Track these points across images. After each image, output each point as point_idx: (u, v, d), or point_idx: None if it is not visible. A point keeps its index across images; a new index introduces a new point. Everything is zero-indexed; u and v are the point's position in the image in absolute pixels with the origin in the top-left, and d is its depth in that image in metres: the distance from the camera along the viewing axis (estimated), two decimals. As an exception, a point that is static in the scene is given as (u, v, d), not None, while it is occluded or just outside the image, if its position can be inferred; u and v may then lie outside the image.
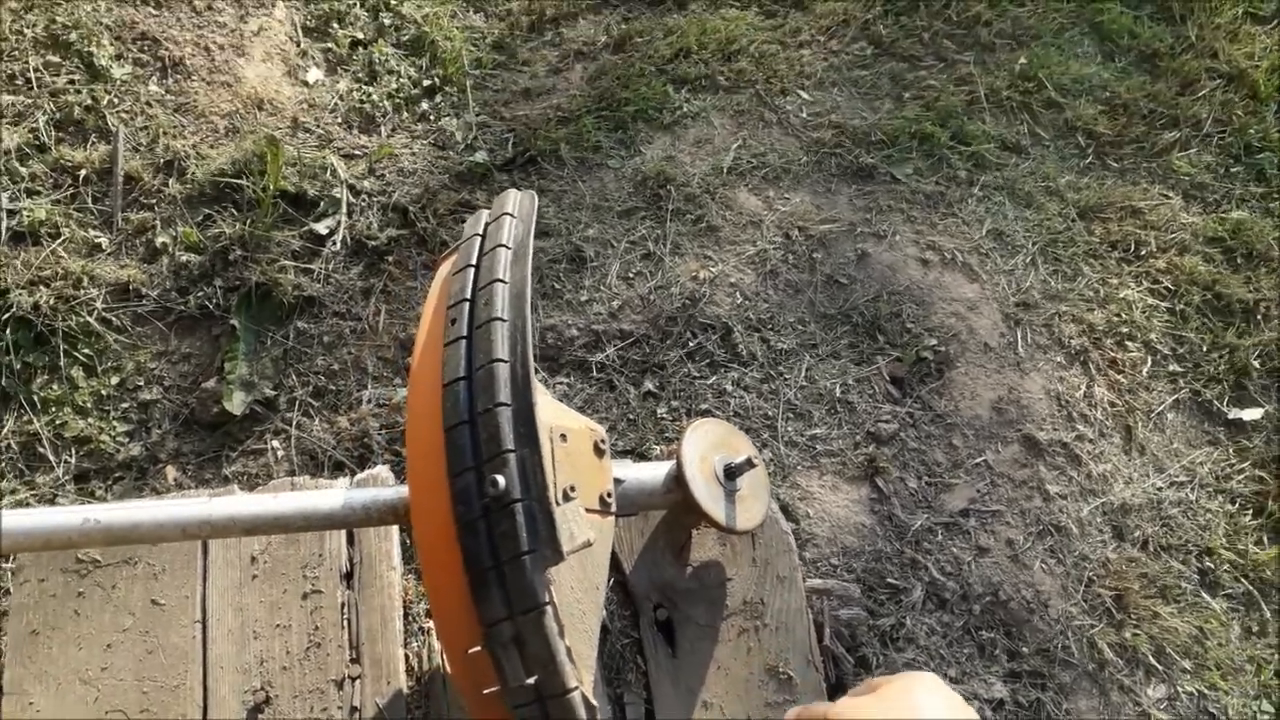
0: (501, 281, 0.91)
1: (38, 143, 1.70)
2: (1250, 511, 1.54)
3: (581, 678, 0.88)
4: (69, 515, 0.98)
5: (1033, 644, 1.36)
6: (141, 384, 1.54)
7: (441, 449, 0.87)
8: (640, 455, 1.46)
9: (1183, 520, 1.51)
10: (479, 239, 0.99)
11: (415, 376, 0.97)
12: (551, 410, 1.04)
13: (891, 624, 1.34)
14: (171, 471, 1.48)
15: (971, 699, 1.30)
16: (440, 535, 0.85)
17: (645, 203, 1.76)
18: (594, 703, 0.82)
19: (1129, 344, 1.69)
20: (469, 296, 0.93)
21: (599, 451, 1.04)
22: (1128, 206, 1.86)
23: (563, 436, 1.00)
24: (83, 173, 1.70)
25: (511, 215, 0.98)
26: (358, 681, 1.13)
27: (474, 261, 0.96)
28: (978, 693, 1.31)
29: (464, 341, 0.90)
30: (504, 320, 0.89)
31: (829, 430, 1.52)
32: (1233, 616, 1.43)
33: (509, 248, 0.94)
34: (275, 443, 1.49)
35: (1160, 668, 1.37)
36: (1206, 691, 1.36)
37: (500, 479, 0.81)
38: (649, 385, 1.54)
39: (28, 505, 1.40)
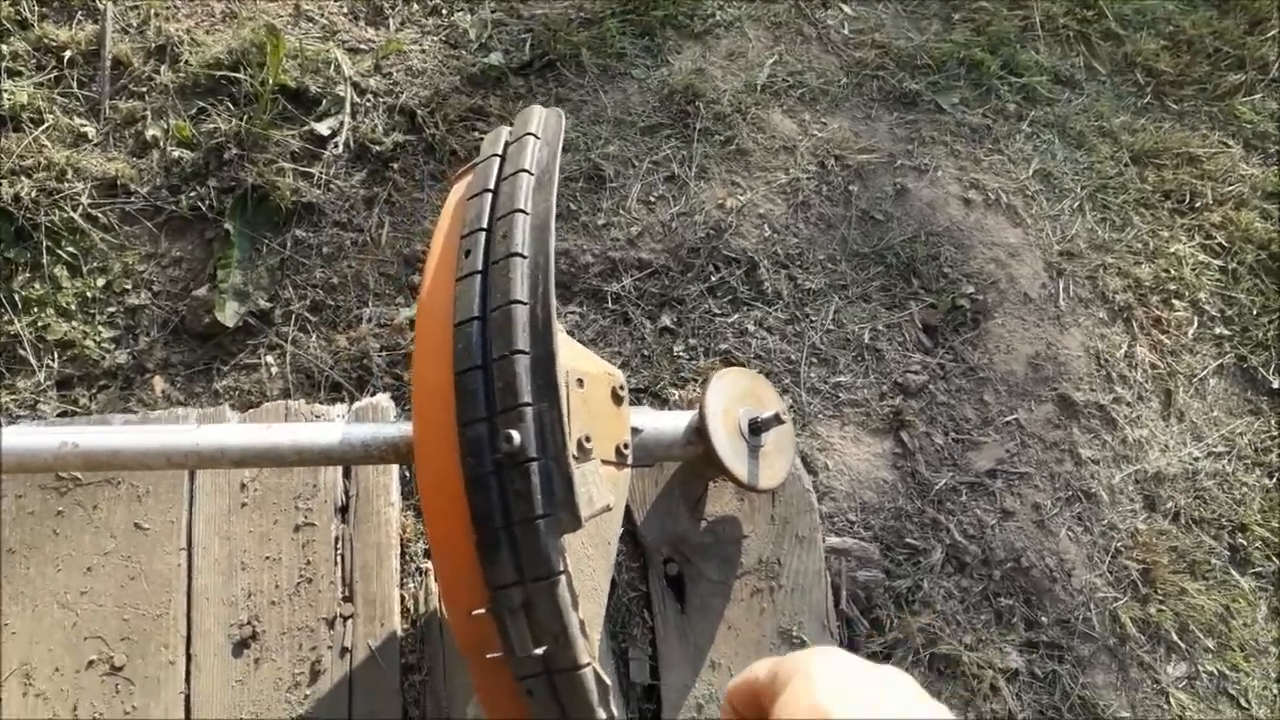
0: (522, 212, 0.82)
1: (19, 18, 1.57)
2: (1288, 487, 1.47)
3: (593, 651, 0.82)
4: (45, 437, 0.90)
5: (1053, 614, 1.31)
6: (129, 287, 1.45)
7: (451, 394, 0.79)
8: (654, 395, 1.38)
9: (1218, 493, 1.44)
10: (498, 160, 0.89)
11: (424, 306, 0.89)
12: (568, 351, 0.96)
13: (908, 586, 1.29)
14: (159, 383, 1.40)
15: (986, 667, 1.25)
16: (447, 487, 0.78)
17: (671, 119, 1.64)
18: (606, 680, 0.75)
19: (1175, 302, 1.60)
20: (486, 226, 0.83)
21: (617, 399, 0.96)
22: (1184, 153, 1.74)
23: (579, 381, 0.92)
24: (68, 54, 1.57)
25: (536, 136, 0.87)
26: (350, 621, 1.07)
27: (492, 186, 0.86)
28: (993, 661, 1.26)
29: (479, 277, 0.81)
30: (524, 256, 0.80)
31: (854, 378, 1.44)
32: (1260, 596, 1.38)
33: (532, 173, 0.84)
34: (270, 358, 1.41)
35: (1182, 645, 1.32)
36: (1228, 672, 1.32)
37: (515, 435, 0.73)
38: (666, 320, 1.45)
39: (6, 411, 1.32)
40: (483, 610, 0.75)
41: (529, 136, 0.87)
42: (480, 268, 0.81)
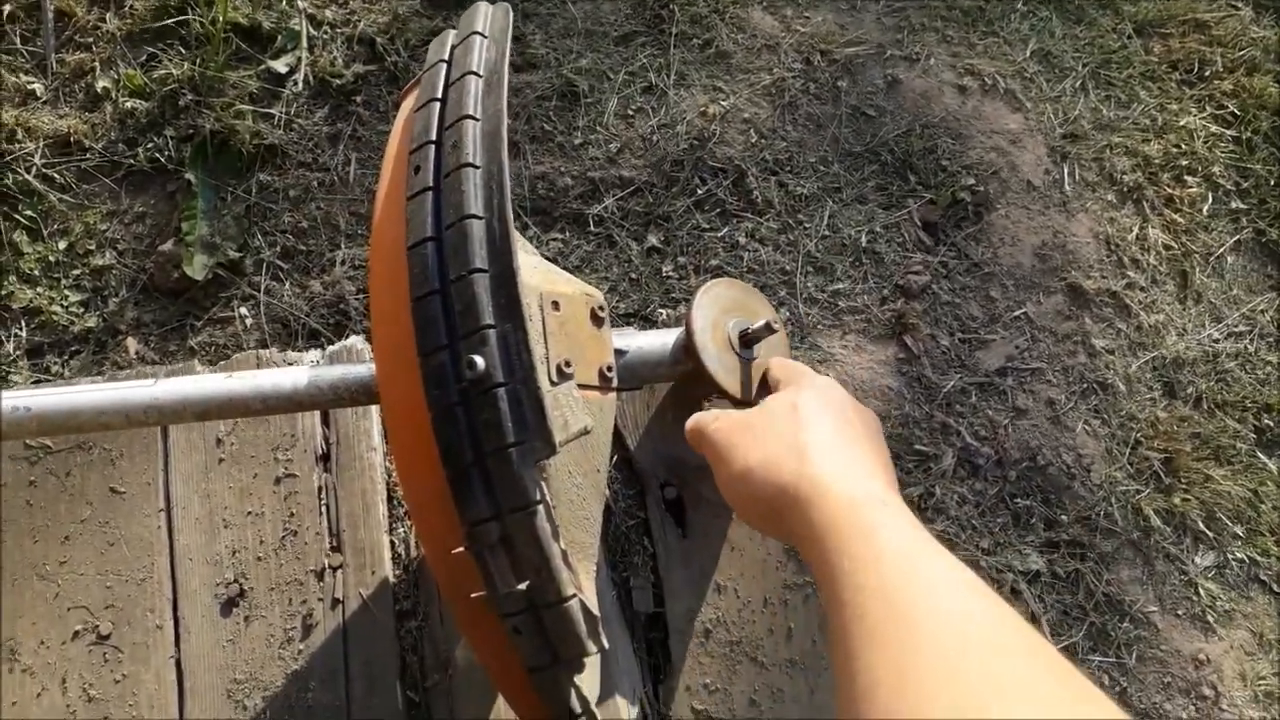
0: (472, 118, 0.75)
1: (-52, -26, 1.49)
2: (1314, 363, 1.41)
3: (580, 582, 0.78)
4: (-7, 404, 0.86)
5: (1072, 512, 1.26)
6: (93, 248, 1.39)
7: (409, 322, 0.73)
8: (645, 319, 1.32)
9: (1240, 374, 1.38)
10: (444, 66, 0.81)
11: (377, 233, 0.82)
12: (541, 274, 0.90)
13: (920, 494, 1.24)
14: (133, 343, 1.35)
15: (1005, 571, 1.21)
16: (413, 422, 0.73)
17: (645, 26, 1.55)
18: (595, 611, 0.71)
19: (1188, 178, 1.51)
20: (434, 138, 0.77)
21: (597, 320, 0.90)
22: (1190, 19, 1.64)
23: (555, 304, 0.86)
24: (7, 8, 1.49)
25: (482, 34, 0.80)
26: (339, 571, 1.03)
27: (439, 94, 0.79)
28: (1012, 564, 1.21)
29: (430, 194, 0.75)
30: (476, 166, 0.73)
31: (853, 285, 1.37)
32: (1291, 478, 1.33)
33: (479, 75, 0.77)
34: (244, 310, 1.35)
35: (1210, 534, 1.27)
36: (1258, 558, 1.27)
37: (479, 359, 0.67)
38: (653, 240, 1.39)
39: (-23, 384, 1.28)
40: (461, 549, 0.70)
41: (475, 36, 0.80)
42: (431, 183, 0.75)
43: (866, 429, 0.68)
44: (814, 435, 0.64)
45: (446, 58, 0.82)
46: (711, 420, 0.76)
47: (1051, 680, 0.41)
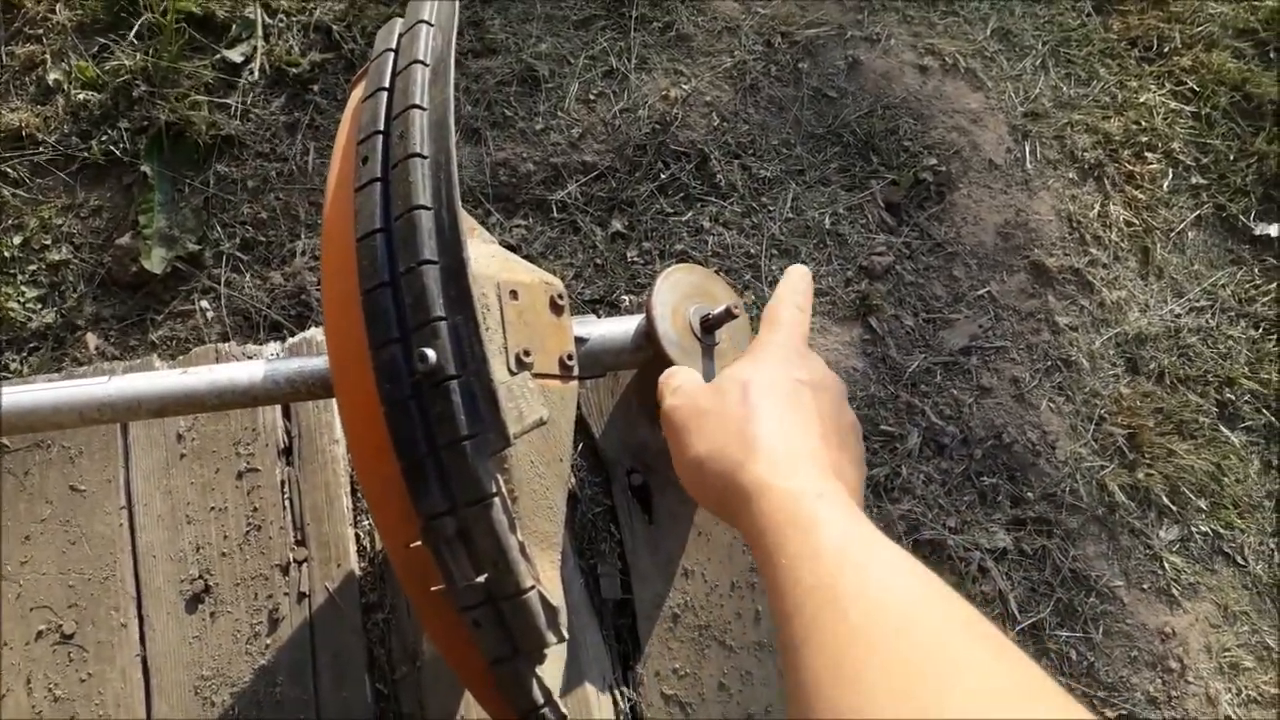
0: (418, 108, 0.74)
1: (-110, -36, 1.45)
2: (1274, 337, 1.42)
3: (541, 573, 0.78)
4: (-60, 406, 0.84)
5: (1038, 489, 1.27)
6: (49, 243, 1.37)
7: (360, 315, 0.72)
8: (610, 305, 1.32)
9: (1202, 349, 1.40)
10: (391, 55, 0.80)
11: (327, 225, 0.81)
12: (499, 262, 0.89)
13: (886, 474, 1.25)
14: (92, 339, 1.33)
15: (973, 549, 1.22)
16: (367, 415, 0.72)
17: (605, 9, 1.53)
18: (555, 602, 0.71)
19: (1148, 155, 1.52)
20: (381, 128, 0.76)
21: (557, 308, 0.90)
22: (1150, -4, 1.65)
23: (513, 293, 0.85)
24: (-48, -1, 1.46)
25: (428, 23, 0.79)
26: (304, 565, 1.03)
27: (386, 84, 0.78)
28: (979, 542, 1.23)
29: (379, 185, 0.74)
30: (424, 157, 0.72)
31: (818, 266, 1.37)
32: (1252, 451, 1.34)
33: (426, 64, 0.76)
34: (204, 303, 1.34)
35: (1174, 508, 1.29)
36: (1222, 531, 1.29)
37: (430, 352, 0.67)
38: (617, 225, 1.38)
39: (-69, 385, 1.25)
40: (418, 543, 0.70)
41: (421, 25, 0.79)
42: (379, 174, 0.74)
43: (821, 407, 0.67)
44: (760, 426, 0.63)
45: (394, 46, 0.81)
46: (670, 394, 0.75)
47: (986, 653, 0.41)
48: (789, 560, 0.49)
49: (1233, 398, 1.38)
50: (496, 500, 0.67)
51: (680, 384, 0.75)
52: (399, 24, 0.84)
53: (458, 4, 0.80)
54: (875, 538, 0.49)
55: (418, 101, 0.74)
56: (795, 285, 0.80)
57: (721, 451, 0.63)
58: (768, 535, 0.53)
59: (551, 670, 0.75)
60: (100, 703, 0.98)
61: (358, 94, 0.87)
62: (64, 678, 0.98)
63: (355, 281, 0.73)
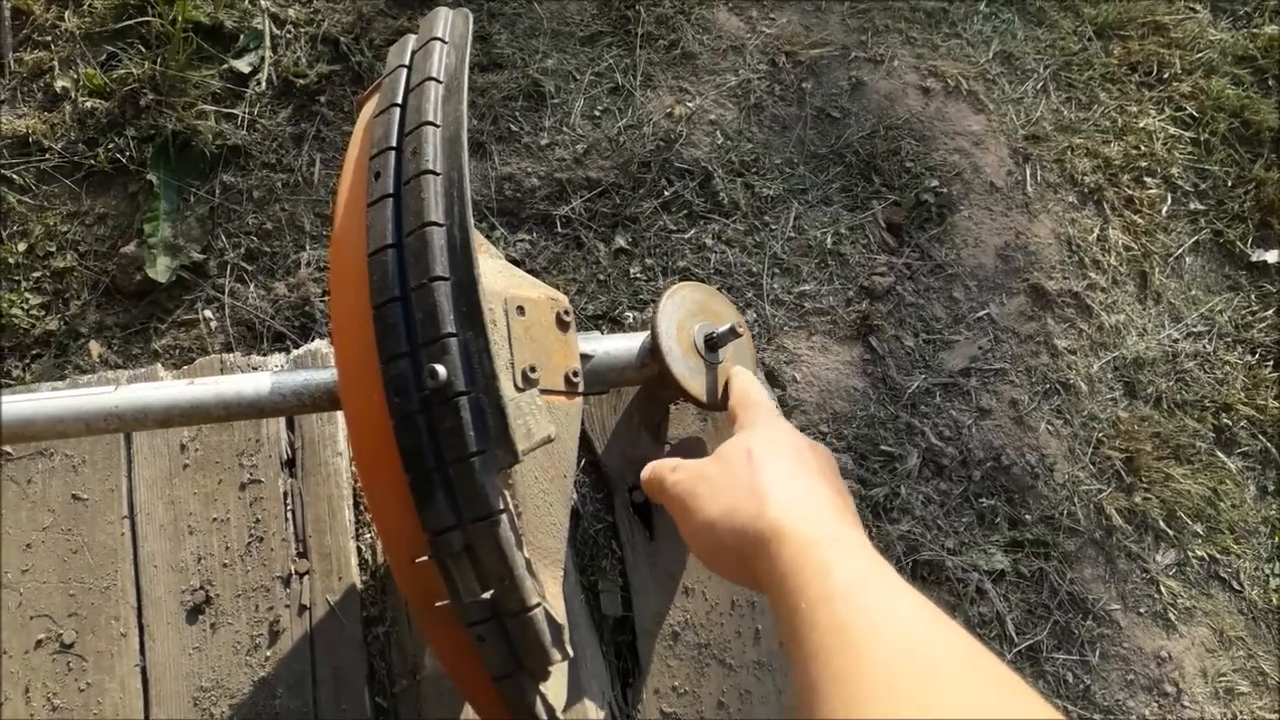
0: (432, 124, 0.75)
1: (-100, -30, 1.46)
2: (1271, 363, 1.43)
3: (544, 590, 0.78)
4: (-55, 413, 0.84)
5: (1036, 511, 1.28)
6: (53, 250, 1.37)
7: (371, 330, 0.73)
8: (613, 320, 1.32)
9: (1199, 374, 1.41)
10: (404, 71, 0.81)
11: (337, 240, 0.82)
12: (505, 278, 0.90)
13: (885, 494, 1.25)
14: (95, 347, 1.33)
15: (970, 570, 1.23)
16: (375, 430, 0.73)
17: (611, 26, 1.55)
18: (559, 619, 0.71)
19: (1148, 180, 1.54)
20: (394, 144, 0.76)
21: (563, 324, 0.90)
22: (1150, 21, 1.66)
23: (520, 309, 0.86)
24: (-39, 6, 1.47)
25: (442, 40, 0.80)
26: (306, 577, 1.03)
27: (399, 100, 0.79)
28: (977, 564, 1.23)
29: (390, 200, 0.74)
30: (436, 173, 0.73)
31: (819, 286, 1.38)
32: (1248, 476, 1.35)
33: (439, 81, 0.77)
34: (208, 313, 1.34)
35: (1170, 532, 1.30)
36: (1218, 555, 1.30)
37: (440, 369, 0.67)
38: (621, 241, 1.39)
39: (-67, 390, 1.25)
40: (424, 558, 0.70)
41: (435, 41, 0.80)
42: (391, 190, 0.75)
43: (821, 465, 0.69)
44: (770, 478, 0.65)
45: (407, 63, 0.82)
46: (669, 472, 0.76)
47: (979, 683, 0.42)
48: (808, 604, 0.50)
49: (1229, 423, 1.39)
50: (504, 517, 0.68)
51: (679, 463, 0.77)
52: (412, 40, 0.85)
53: (471, 21, 0.81)
54: (892, 579, 0.50)
55: (431, 118, 0.75)
56: (748, 379, 0.89)
57: (734, 509, 0.64)
58: (787, 580, 0.53)
59: (555, 687, 0.75)
60: (99, 712, 0.98)
61: (369, 109, 0.88)
62: (63, 687, 0.98)
63: (365, 296, 0.74)
